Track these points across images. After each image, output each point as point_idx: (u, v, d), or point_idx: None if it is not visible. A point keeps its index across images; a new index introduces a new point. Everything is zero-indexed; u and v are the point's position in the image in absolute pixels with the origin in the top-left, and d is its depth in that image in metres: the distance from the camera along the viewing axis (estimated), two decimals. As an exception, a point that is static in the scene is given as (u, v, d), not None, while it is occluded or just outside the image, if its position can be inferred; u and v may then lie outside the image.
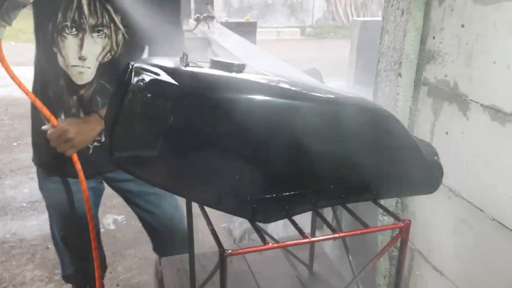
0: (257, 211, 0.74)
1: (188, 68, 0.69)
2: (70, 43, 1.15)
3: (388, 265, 1.35)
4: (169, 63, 0.69)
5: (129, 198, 1.43)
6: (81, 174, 1.19)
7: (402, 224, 0.76)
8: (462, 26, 0.97)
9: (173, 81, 0.64)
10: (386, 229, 0.78)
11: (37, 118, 1.25)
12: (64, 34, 1.14)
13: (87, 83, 1.20)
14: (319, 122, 0.74)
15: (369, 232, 0.74)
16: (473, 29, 0.95)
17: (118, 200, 2.90)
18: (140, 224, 2.58)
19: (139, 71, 0.66)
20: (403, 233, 0.76)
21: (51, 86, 1.22)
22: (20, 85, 1.07)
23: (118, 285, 2.08)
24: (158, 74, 0.65)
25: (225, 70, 0.72)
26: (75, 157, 1.17)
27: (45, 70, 1.21)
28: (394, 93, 1.18)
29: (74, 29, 1.14)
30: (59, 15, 1.12)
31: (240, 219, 2.60)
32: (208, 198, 0.73)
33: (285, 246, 0.70)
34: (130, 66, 0.67)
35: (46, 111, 1.12)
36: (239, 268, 1.15)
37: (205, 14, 3.77)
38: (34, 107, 1.23)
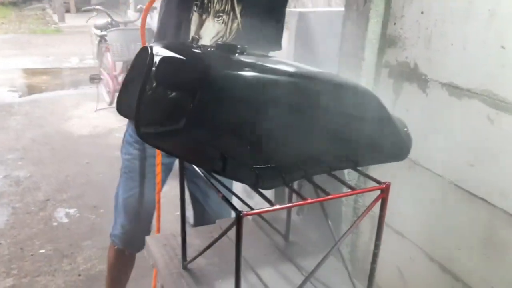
0: (260, 179, 0.80)
1: (200, 51, 0.73)
2: (194, 20, 1.25)
3: (350, 235, 1.47)
4: (183, 46, 0.73)
5: (190, 177, 1.54)
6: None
7: (384, 186, 0.86)
8: (422, 13, 1.09)
9: (190, 62, 0.69)
10: (370, 190, 0.87)
11: None
12: (193, 11, 1.25)
13: None
14: (310, 97, 0.82)
15: (355, 194, 0.83)
16: (432, 16, 1.07)
17: (68, 194, 2.83)
18: (94, 216, 2.56)
19: (159, 53, 0.70)
20: (384, 193, 0.86)
21: None
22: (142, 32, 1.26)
23: (79, 275, 2.03)
24: (175, 57, 0.69)
25: (230, 52, 0.77)
26: None
27: (174, 39, 1.29)
28: (358, 76, 1.28)
29: (201, 10, 1.24)
30: None
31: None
32: (217, 166, 0.77)
33: (289, 208, 0.77)
34: (150, 49, 0.70)
35: None
36: (221, 239, 1.21)
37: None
38: None
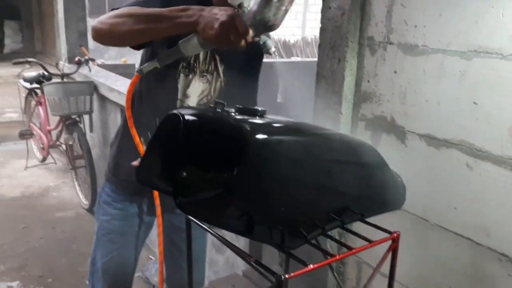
0: (285, 239, 0.81)
1: (229, 116, 0.76)
2: (181, 80, 1.29)
3: (334, 281, 1.50)
4: (212, 113, 0.75)
5: (167, 232, 1.49)
6: (158, 209, 1.27)
7: (395, 235, 0.92)
8: (395, 72, 1.21)
9: (227, 130, 0.71)
10: (384, 241, 0.92)
11: (129, 138, 1.26)
12: (180, 72, 1.28)
13: None
14: (329, 156, 0.87)
15: (373, 246, 0.88)
16: (405, 75, 1.19)
17: (7, 265, 2.56)
18: (41, 288, 2.34)
19: (190, 121, 0.71)
20: (396, 242, 0.92)
21: (155, 111, 1.31)
22: (128, 109, 1.17)
23: None
24: (211, 125, 0.71)
25: (251, 115, 0.81)
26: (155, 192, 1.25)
27: (157, 98, 1.33)
28: (336, 128, 1.36)
29: (187, 70, 1.28)
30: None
31: (157, 266, 2.53)
32: (245, 228, 0.78)
33: (327, 264, 0.79)
34: (181, 116, 0.71)
35: (137, 139, 1.18)
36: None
37: (86, 57, 3.63)
38: (127, 128, 1.29)
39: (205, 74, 1.31)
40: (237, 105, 0.81)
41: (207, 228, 0.98)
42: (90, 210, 3.30)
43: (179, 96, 1.31)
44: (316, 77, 1.43)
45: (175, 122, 0.73)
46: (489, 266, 1.05)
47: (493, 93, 0.99)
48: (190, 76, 1.30)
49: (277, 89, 5.49)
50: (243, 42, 0.95)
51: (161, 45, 1.21)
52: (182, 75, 1.29)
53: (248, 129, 0.72)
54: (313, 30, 10.32)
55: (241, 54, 1.31)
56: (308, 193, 0.84)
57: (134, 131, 1.22)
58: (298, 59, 7.71)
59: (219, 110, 0.78)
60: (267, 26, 0.94)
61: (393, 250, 0.93)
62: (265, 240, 0.83)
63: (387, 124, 1.26)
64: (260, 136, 0.75)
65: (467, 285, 1.10)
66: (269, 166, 0.74)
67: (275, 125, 0.82)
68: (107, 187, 1.44)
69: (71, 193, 3.64)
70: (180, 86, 1.29)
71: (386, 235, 0.96)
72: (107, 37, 1.13)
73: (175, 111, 0.74)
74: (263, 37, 1.00)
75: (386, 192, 1.00)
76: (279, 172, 0.77)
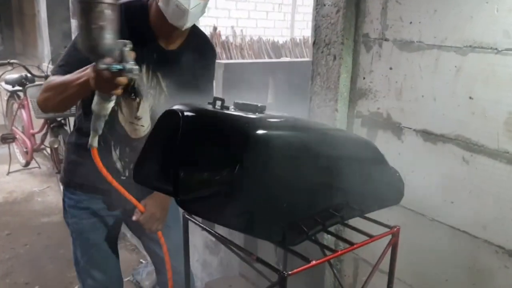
0: (287, 235, 0.81)
1: (229, 113, 0.75)
2: (128, 104, 1.32)
3: (333, 278, 1.51)
4: (211, 110, 0.75)
5: (143, 231, 1.52)
6: (162, 239, 1.37)
7: (396, 230, 0.93)
8: (390, 68, 1.22)
9: (228, 126, 0.70)
10: (384, 236, 0.93)
11: (80, 148, 1.36)
12: (121, 100, 1.28)
13: (141, 137, 1.36)
14: (328, 151, 0.87)
15: (374, 241, 0.88)
16: (400, 71, 1.20)
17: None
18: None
19: (190, 119, 0.70)
20: (396, 237, 0.93)
21: (104, 138, 1.32)
22: (112, 182, 1.21)
23: None
24: (212, 122, 0.70)
25: (250, 111, 0.80)
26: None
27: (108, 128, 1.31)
28: (332, 125, 1.37)
29: (133, 95, 1.29)
30: None
31: (148, 269, 2.50)
32: (246, 225, 0.78)
33: (328, 260, 0.79)
34: (180, 113, 0.71)
35: (133, 200, 1.30)
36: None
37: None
38: (77, 138, 1.40)
39: (149, 91, 1.34)
40: (236, 101, 0.81)
41: (205, 227, 0.97)
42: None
43: (130, 119, 1.33)
44: (311, 74, 1.43)
45: (174, 120, 0.73)
46: (486, 258, 1.06)
47: (488, 87, 1.00)
48: (138, 99, 1.32)
49: (267, 89, 5.49)
50: (117, 78, 0.98)
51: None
52: (129, 99, 1.30)
53: (249, 124, 0.72)
54: (301, 31, 10.32)
55: (180, 67, 1.35)
56: (308, 189, 0.84)
57: (133, 200, 1.31)
58: (287, 59, 7.70)
59: (218, 107, 0.77)
60: (95, 51, 0.96)
61: (393, 244, 0.94)
62: (265, 237, 0.83)
63: (383, 121, 1.26)
64: (261, 131, 0.75)
65: (465, 278, 1.11)
66: (269, 162, 0.74)
67: (275, 120, 0.82)
68: (68, 191, 1.47)
69: (57, 197, 3.57)
70: (129, 110, 1.32)
71: (385, 230, 0.97)
72: (47, 110, 1.29)
73: (174, 108, 0.74)
74: (124, 64, 0.97)
75: (384, 188, 1.01)
76: (280, 168, 0.77)
